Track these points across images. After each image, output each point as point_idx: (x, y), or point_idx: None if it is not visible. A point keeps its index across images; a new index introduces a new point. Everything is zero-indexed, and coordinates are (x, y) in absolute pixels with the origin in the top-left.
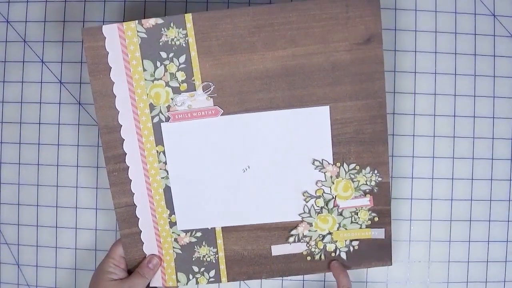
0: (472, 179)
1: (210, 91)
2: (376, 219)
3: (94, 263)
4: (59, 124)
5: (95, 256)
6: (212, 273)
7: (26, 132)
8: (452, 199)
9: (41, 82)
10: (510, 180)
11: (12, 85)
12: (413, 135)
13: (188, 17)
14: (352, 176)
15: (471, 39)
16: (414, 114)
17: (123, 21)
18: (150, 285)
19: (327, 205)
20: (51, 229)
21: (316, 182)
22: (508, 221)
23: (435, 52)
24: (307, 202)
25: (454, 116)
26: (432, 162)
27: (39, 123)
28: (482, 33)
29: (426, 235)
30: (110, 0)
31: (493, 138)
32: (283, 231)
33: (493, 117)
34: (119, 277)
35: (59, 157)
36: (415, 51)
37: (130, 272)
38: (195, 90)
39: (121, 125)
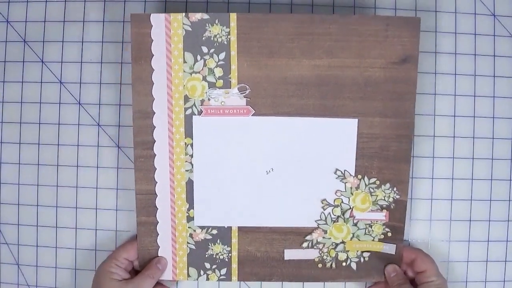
0: (472, 179)
1: (245, 94)
2: (389, 234)
3: (94, 263)
4: (59, 124)
5: (95, 256)
6: (224, 271)
7: (26, 132)
8: (452, 199)
9: (41, 82)
10: (510, 180)
11: (12, 85)
12: (413, 135)
13: (233, 16)
14: (371, 190)
15: (471, 39)
16: (414, 114)
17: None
18: (160, 278)
19: (343, 214)
20: (51, 229)
21: (336, 192)
22: (508, 221)
23: (435, 52)
24: (324, 210)
25: (454, 116)
26: (432, 162)
27: (39, 123)
28: (482, 33)
29: (426, 235)
30: (110, 0)
31: (493, 138)
32: (298, 236)
33: (493, 117)
34: (122, 278)
35: (59, 157)
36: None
37: (132, 274)
38: (230, 88)
39: (155, 112)
